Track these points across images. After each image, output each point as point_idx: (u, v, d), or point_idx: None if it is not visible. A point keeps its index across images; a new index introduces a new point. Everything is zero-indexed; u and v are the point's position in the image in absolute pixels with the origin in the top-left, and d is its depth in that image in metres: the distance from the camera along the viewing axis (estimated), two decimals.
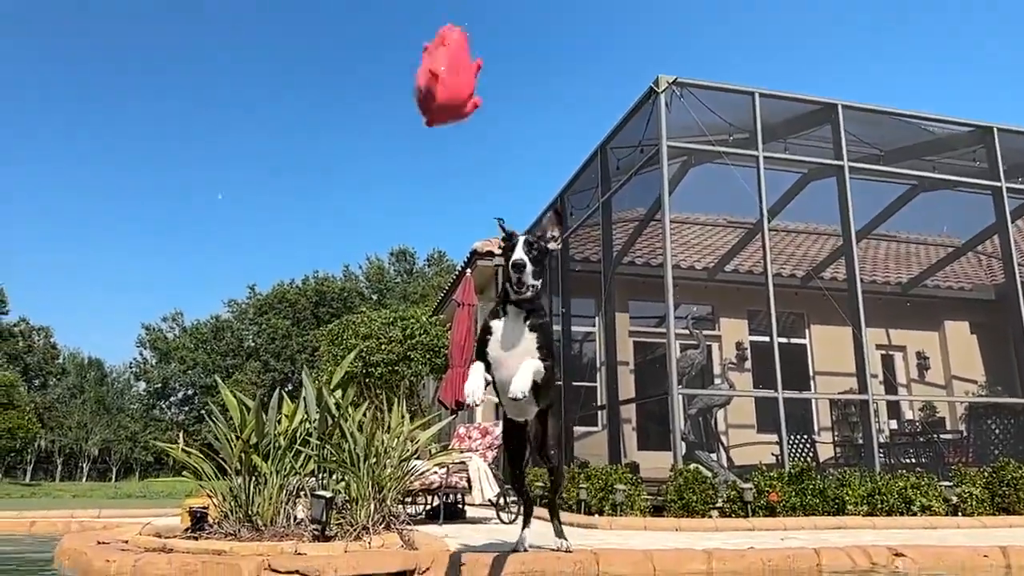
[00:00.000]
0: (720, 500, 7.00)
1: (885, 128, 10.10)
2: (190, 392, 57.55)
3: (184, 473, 4.99)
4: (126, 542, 4.55)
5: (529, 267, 3.27)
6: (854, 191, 9.25)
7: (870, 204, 11.10)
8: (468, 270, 13.63)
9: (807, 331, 13.72)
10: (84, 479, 50.78)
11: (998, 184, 9.76)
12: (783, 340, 11.61)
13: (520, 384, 3.03)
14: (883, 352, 13.67)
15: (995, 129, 9.90)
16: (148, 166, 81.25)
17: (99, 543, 4.57)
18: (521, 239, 3.34)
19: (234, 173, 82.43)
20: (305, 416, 5.07)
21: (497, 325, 3.39)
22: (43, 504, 11.23)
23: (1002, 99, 74.91)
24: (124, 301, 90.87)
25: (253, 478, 4.75)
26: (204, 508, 4.86)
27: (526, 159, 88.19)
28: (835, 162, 9.33)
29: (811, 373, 13.33)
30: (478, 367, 3.27)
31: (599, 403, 11.62)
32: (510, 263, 3.28)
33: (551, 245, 3.48)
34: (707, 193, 11.28)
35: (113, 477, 52.55)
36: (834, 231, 11.84)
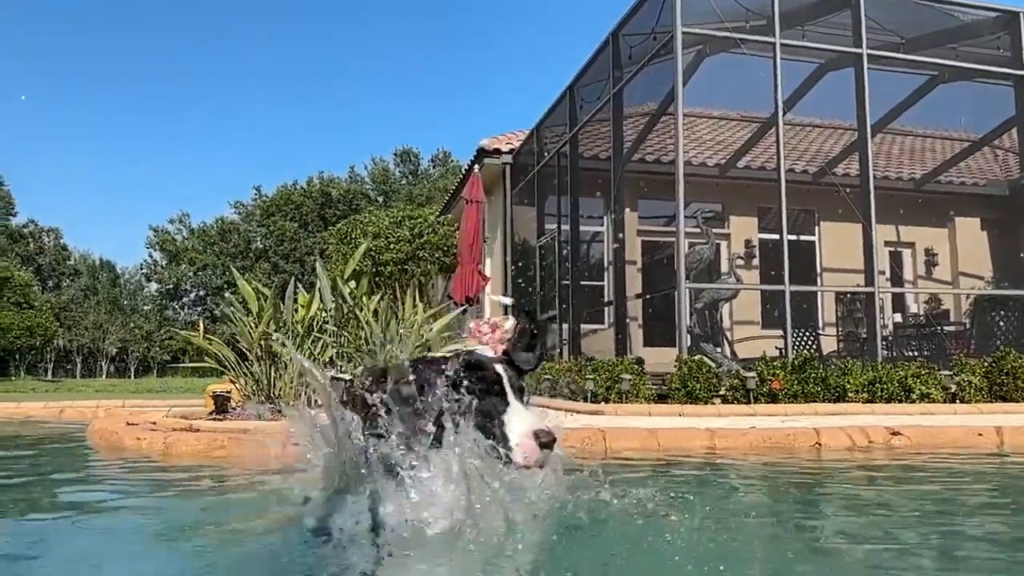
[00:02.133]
0: (723, 388, 7.21)
1: (907, 12, 9.72)
2: (201, 293, 58.37)
3: (206, 358, 5.16)
4: (154, 423, 4.76)
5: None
6: (871, 83, 9.00)
7: (887, 97, 10.82)
8: (476, 167, 13.49)
9: (816, 228, 13.70)
10: (104, 377, 52.30)
11: (1021, 73, 9.47)
12: (792, 237, 11.62)
13: None
14: (891, 249, 13.67)
15: (1021, 15, 9.51)
16: (150, 74, 79.13)
17: (128, 424, 4.78)
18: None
19: (237, 78, 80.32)
20: (321, 305, 5.18)
21: None
22: (69, 396, 11.66)
23: None
24: (129, 205, 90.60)
25: (273, 363, 4.91)
26: (227, 392, 5.06)
27: (536, 50, 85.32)
28: (854, 50, 9.03)
29: (819, 270, 13.40)
30: None
31: (606, 299, 11.78)
32: None
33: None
34: (721, 86, 11.00)
35: (132, 375, 54.13)
36: (849, 126, 11.60)
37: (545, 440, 1.81)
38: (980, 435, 4.30)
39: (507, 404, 1.88)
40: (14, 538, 2.36)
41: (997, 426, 4.38)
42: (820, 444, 4.10)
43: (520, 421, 1.84)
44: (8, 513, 2.86)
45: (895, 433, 4.19)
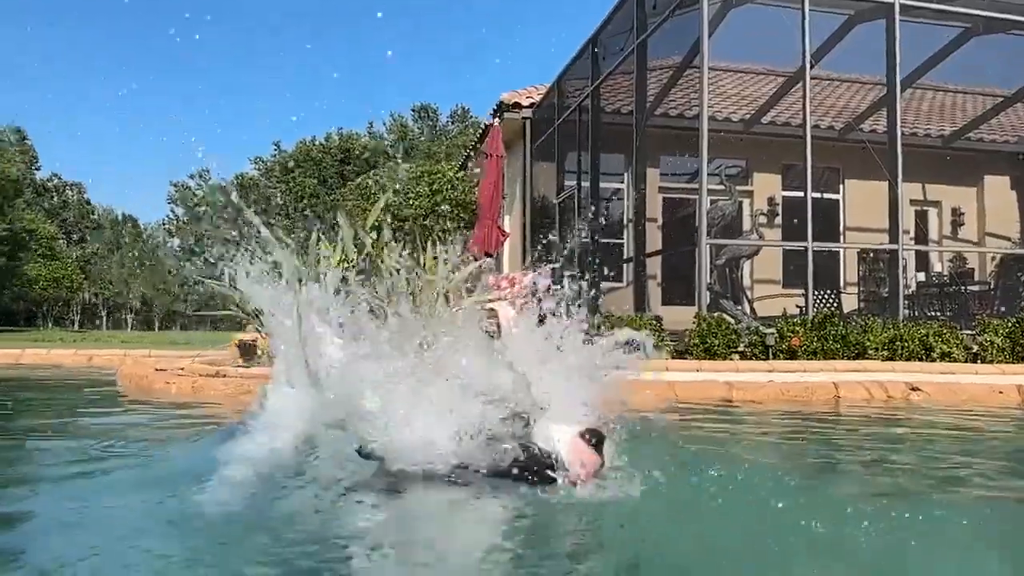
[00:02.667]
0: (742, 345, 7.22)
1: None
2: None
3: (231, 307, 5.23)
4: (182, 369, 4.88)
5: None
6: (902, 36, 8.76)
7: (917, 51, 10.52)
8: (496, 121, 13.36)
9: (841, 186, 13.49)
10: (128, 329, 53.24)
11: None
12: (816, 195, 11.45)
13: None
14: (917, 208, 13.46)
15: None
16: (163, 28, 78.51)
17: (157, 370, 4.91)
18: None
19: (254, 32, 79.53)
20: (343, 256, 5.23)
21: None
22: (96, 346, 11.93)
23: None
24: (149, 160, 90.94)
25: (297, 312, 4.98)
26: (252, 340, 5.15)
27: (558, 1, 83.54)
28: (885, 0, 8.77)
29: (842, 228, 13.24)
30: None
31: (625, 256, 11.74)
32: None
33: None
34: (747, 39, 10.75)
35: (156, 327, 55.10)
36: (877, 81, 11.32)
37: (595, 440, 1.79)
38: (1000, 393, 4.29)
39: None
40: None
41: (1019, 384, 4.37)
42: (838, 397, 4.13)
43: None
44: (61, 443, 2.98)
45: (914, 388, 4.20)
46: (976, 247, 13.47)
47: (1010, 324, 7.72)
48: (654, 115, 11.57)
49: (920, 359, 7.24)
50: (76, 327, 50.27)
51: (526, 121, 14.06)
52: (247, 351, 5.07)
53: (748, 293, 11.71)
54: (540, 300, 2.37)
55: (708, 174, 8.16)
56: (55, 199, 55.31)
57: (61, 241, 42.11)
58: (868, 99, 12.87)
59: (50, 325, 40.33)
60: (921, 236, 13.29)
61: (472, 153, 17.98)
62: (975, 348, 7.44)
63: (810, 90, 8.70)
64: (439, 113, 57.42)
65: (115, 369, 6.01)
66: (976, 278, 12.13)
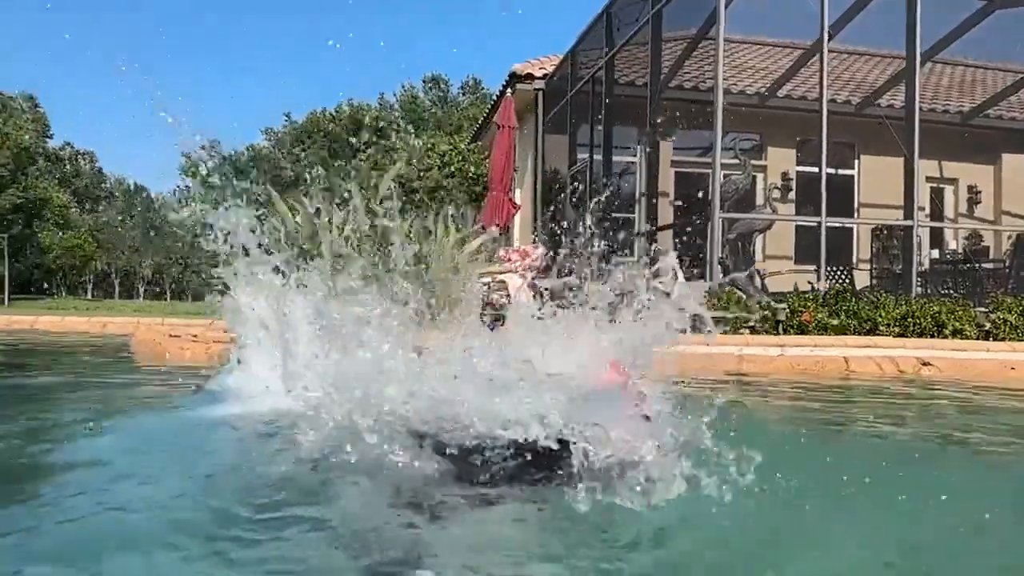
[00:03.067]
0: (753, 320, 7.20)
1: None
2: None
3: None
4: (195, 336, 4.93)
5: None
6: (923, 9, 8.58)
7: (938, 24, 10.32)
8: (508, 91, 13.24)
9: (856, 161, 13.35)
10: (141, 299, 53.65)
11: None
12: (831, 171, 11.32)
13: None
14: (933, 185, 13.30)
15: None
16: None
17: (171, 336, 4.96)
18: None
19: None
20: (355, 226, 5.23)
21: None
22: (109, 314, 12.05)
23: None
24: (159, 129, 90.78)
25: None
26: None
27: None
28: None
29: (856, 204, 13.13)
30: None
31: (637, 231, 11.69)
32: None
33: None
34: (763, 10, 10.59)
35: (168, 298, 55.51)
36: (896, 55, 11.13)
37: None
38: (1012, 369, 4.28)
39: None
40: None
41: None
42: (849, 371, 4.12)
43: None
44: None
45: (925, 363, 4.19)
46: (992, 225, 13.33)
47: None
48: (668, 87, 11.45)
49: (932, 336, 7.20)
50: (89, 295, 50.69)
51: (538, 92, 13.93)
52: None
53: (760, 269, 11.66)
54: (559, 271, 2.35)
55: (722, 148, 8.09)
56: (68, 168, 55.46)
57: (74, 210, 42.27)
58: (886, 73, 12.68)
59: (64, 294, 40.68)
60: (936, 213, 13.16)
61: (482, 125, 17.87)
62: (987, 326, 7.39)
63: (827, 63, 8.57)
64: (450, 84, 56.95)
65: (129, 336, 6.07)
66: (991, 256, 12.02)
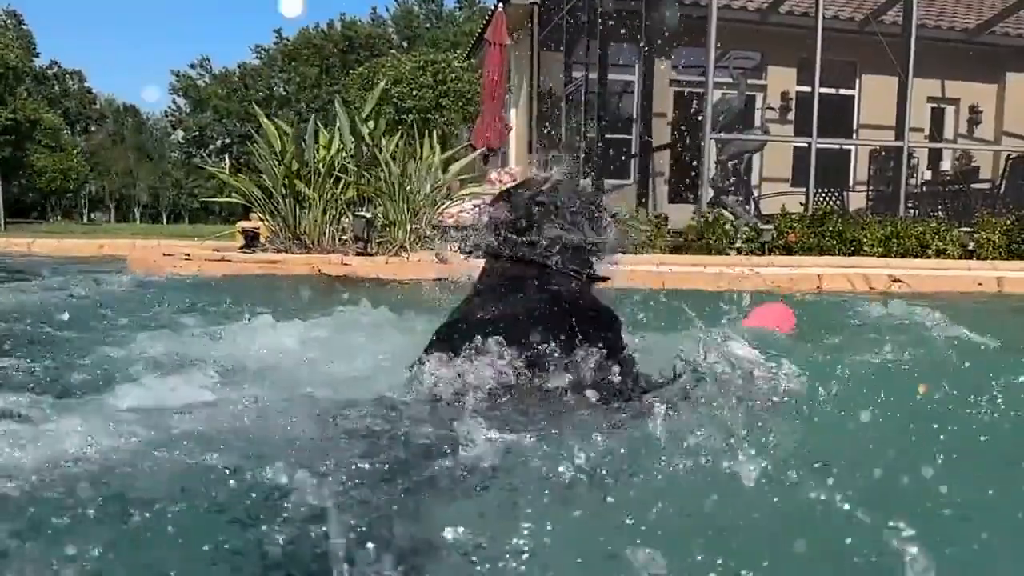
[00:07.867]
0: (739, 241, 7.30)
1: None
2: (227, 141, 58.21)
3: (234, 195, 5.33)
4: (188, 254, 5.03)
5: None
6: None
7: None
8: (500, 6, 12.86)
9: (857, 81, 13.10)
10: (137, 222, 53.55)
11: None
12: (831, 90, 11.16)
13: None
14: (934, 105, 13.12)
15: None
16: None
17: (165, 255, 5.06)
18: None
19: None
20: (341, 145, 5.26)
21: None
22: (105, 236, 12.13)
23: None
24: (152, 48, 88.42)
25: (297, 202, 5.07)
26: (256, 228, 5.27)
27: None
28: None
29: (855, 125, 12.98)
30: None
31: (632, 152, 11.63)
32: None
33: None
34: None
35: (164, 221, 55.40)
36: None
37: None
38: (980, 284, 4.40)
39: None
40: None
41: (998, 276, 4.47)
42: (820, 288, 4.24)
43: None
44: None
45: (896, 280, 4.30)
46: (991, 146, 13.21)
47: (1009, 222, 7.74)
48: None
49: (916, 256, 7.32)
50: (84, 220, 50.52)
51: (533, 7, 13.52)
52: (250, 239, 5.20)
53: (755, 191, 11.64)
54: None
55: (720, 67, 7.96)
56: (56, 88, 54.27)
57: (65, 132, 41.62)
58: None
59: (59, 218, 40.55)
60: (934, 135, 13.04)
61: (477, 41, 17.44)
62: (971, 245, 7.49)
63: None
64: None
65: (125, 256, 6.17)
66: (980, 176, 11.97)
